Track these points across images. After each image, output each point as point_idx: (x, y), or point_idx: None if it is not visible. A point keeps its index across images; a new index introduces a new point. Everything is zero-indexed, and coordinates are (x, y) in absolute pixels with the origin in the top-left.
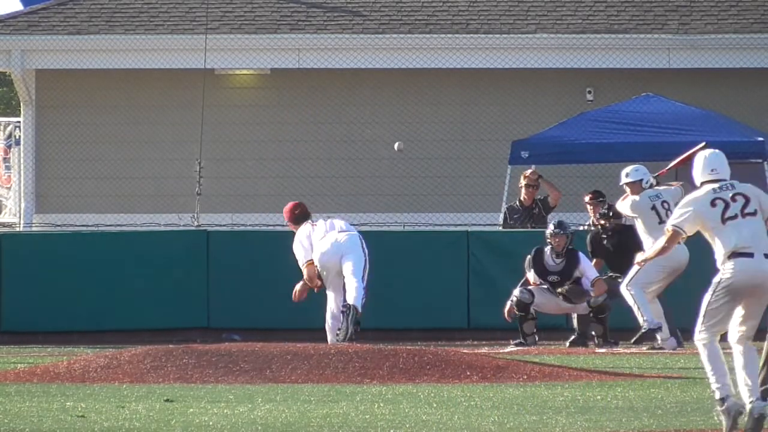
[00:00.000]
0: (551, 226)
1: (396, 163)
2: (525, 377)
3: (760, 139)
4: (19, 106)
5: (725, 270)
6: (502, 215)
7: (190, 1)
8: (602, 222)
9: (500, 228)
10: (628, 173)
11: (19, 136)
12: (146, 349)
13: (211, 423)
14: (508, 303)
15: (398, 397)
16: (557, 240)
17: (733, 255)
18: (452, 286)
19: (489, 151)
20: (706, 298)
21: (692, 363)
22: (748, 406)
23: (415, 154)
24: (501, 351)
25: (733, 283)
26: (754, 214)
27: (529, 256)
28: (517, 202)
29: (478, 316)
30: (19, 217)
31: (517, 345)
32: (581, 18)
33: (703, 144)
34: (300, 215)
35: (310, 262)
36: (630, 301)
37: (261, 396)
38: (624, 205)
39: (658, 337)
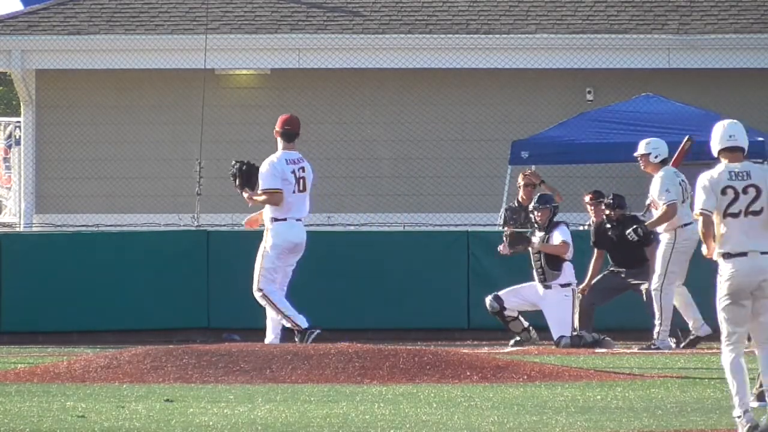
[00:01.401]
0: (533, 200)
1: (396, 164)
2: (525, 377)
3: (760, 139)
4: (19, 106)
5: (722, 272)
6: (501, 215)
7: (190, 1)
8: (607, 212)
9: (500, 228)
10: (641, 145)
11: (19, 136)
12: (146, 349)
13: (211, 423)
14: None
15: (398, 397)
16: (539, 213)
17: (727, 255)
18: (452, 286)
19: (489, 151)
20: (718, 308)
21: (692, 363)
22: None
23: (415, 154)
24: (501, 351)
25: (732, 285)
26: (758, 213)
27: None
28: (516, 202)
29: (478, 316)
30: (19, 217)
31: (515, 345)
32: (581, 18)
33: (687, 138)
34: (290, 132)
35: (279, 192)
36: (656, 307)
37: (261, 396)
38: (654, 186)
39: (671, 344)
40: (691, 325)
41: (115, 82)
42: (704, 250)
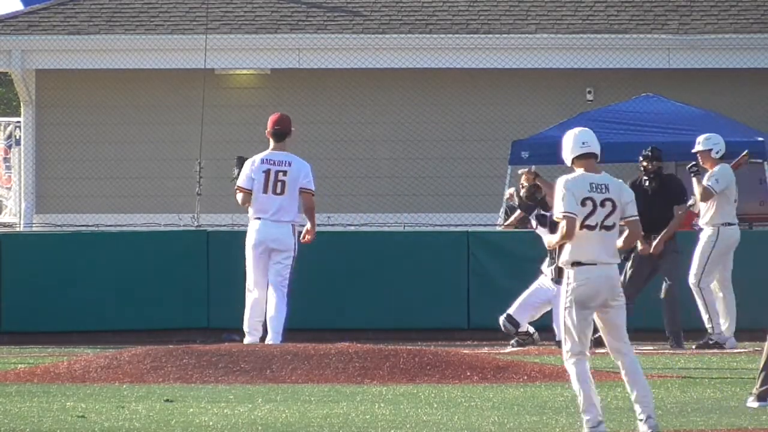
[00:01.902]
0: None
1: (396, 164)
2: (525, 377)
3: (760, 139)
4: (19, 106)
5: (572, 280)
6: (502, 209)
7: (190, 1)
8: (644, 164)
9: (500, 225)
10: (700, 141)
11: (19, 136)
12: (146, 349)
13: (211, 423)
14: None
15: (398, 397)
16: (525, 176)
17: (578, 264)
18: (452, 286)
19: (489, 151)
20: (563, 316)
21: (692, 363)
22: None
23: (415, 154)
24: (501, 351)
25: (582, 294)
26: (611, 228)
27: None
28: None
29: (478, 316)
30: (19, 217)
31: (516, 344)
32: (581, 18)
33: (745, 152)
34: (279, 132)
35: (246, 191)
36: (700, 303)
37: (261, 396)
38: (713, 180)
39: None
40: (708, 326)
41: (115, 82)
42: (549, 239)
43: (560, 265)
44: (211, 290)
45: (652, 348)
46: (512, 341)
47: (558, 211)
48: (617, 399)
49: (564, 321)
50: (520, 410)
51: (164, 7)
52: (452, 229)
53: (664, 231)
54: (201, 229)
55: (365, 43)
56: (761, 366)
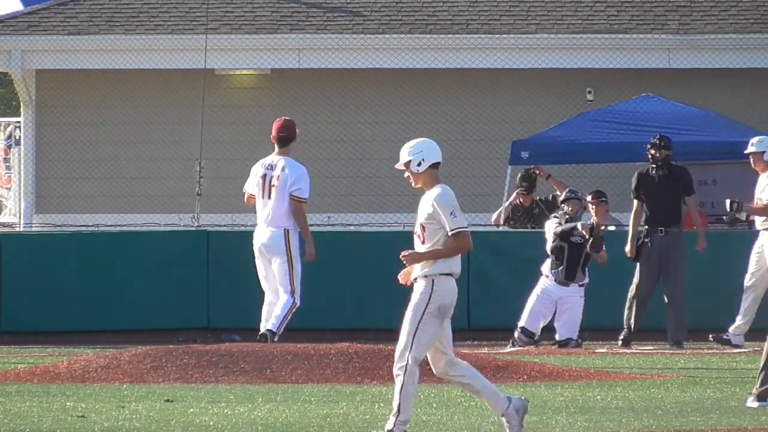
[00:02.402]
0: (563, 195)
1: (396, 163)
2: (525, 377)
3: None
4: (19, 106)
5: (440, 290)
6: (502, 208)
7: (190, 1)
8: (652, 152)
9: (500, 227)
10: (753, 143)
11: (19, 136)
12: (146, 349)
13: (211, 423)
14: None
15: None
16: (570, 207)
17: (447, 276)
18: None
19: (489, 151)
20: (418, 325)
21: (692, 363)
22: None
23: None
24: (501, 351)
25: (446, 304)
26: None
27: (558, 217)
28: (518, 202)
29: (478, 316)
30: (19, 217)
31: (516, 344)
32: (581, 18)
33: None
34: (283, 138)
35: (249, 195)
36: (745, 304)
37: (261, 396)
38: (761, 184)
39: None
40: (733, 327)
41: (115, 82)
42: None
43: (428, 275)
44: (211, 290)
45: (652, 348)
46: (511, 343)
47: (459, 225)
48: (617, 399)
49: (418, 329)
50: None
51: (164, 7)
52: None
53: (699, 228)
54: (201, 229)
55: (365, 43)
56: (761, 366)
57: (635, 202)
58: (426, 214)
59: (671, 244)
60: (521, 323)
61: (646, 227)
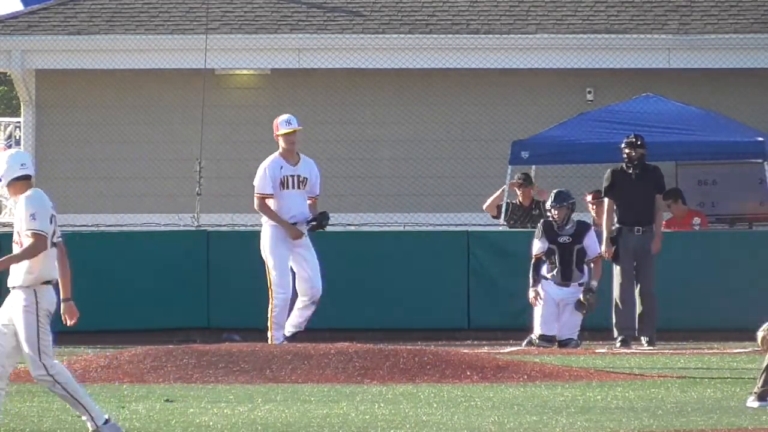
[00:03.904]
0: (550, 198)
1: (396, 164)
2: (525, 377)
3: (760, 139)
4: (19, 106)
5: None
6: (504, 205)
7: (190, 1)
8: (627, 151)
9: (500, 227)
10: None
11: (19, 136)
12: (146, 349)
13: (211, 423)
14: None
15: (398, 397)
16: (557, 212)
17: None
18: (452, 286)
19: (489, 151)
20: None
21: (692, 363)
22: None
23: (415, 154)
24: (501, 351)
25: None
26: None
27: (539, 225)
28: (517, 202)
29: (478, 316)
30: None
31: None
32: (581, 18)
33: None
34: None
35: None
36: None
37: (261, 396)
38: None
39: None
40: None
41: (115, 82)
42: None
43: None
44: (211, 290)
45: (651, 348)
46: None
47: (37, 227)
48: (617, 399)
49: (39, 338)
50: (520, 410)
51: (164, 7)
52: (452, 229)
53: (657, 229)
54: (201, 229)
55: (365, 43)
56: (764, 366)
57: (606, 200)
58: None
59: (646, 242)
60: (538, 331)
61: (619, 226)
